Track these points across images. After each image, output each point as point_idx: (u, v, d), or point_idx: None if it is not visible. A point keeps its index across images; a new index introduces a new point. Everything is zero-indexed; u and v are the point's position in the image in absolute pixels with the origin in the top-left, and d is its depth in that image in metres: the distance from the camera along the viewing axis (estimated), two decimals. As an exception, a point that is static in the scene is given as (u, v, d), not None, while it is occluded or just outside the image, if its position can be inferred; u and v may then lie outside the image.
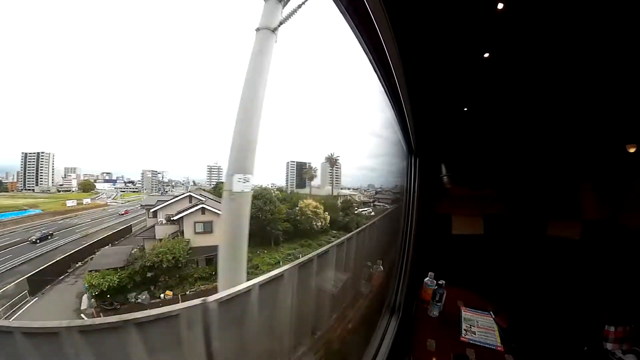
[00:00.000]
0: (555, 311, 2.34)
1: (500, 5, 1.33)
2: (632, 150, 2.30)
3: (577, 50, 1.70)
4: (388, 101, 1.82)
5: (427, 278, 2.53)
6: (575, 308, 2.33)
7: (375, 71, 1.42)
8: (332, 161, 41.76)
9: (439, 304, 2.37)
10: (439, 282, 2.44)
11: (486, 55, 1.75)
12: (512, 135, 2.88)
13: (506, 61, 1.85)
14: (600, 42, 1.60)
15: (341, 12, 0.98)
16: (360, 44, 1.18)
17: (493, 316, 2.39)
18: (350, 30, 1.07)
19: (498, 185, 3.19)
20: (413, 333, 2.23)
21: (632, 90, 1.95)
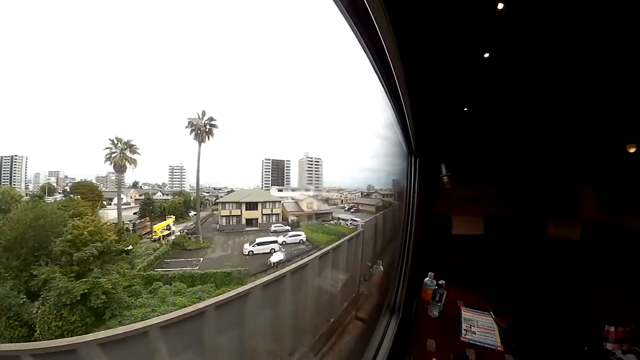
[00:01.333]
0: (555, 311, 2.34)
1: (500, 6, 1.33)
2: (632, 150, 2.29)
3: (577, 50, 1.70)
4: (388, 101, 1.82)
5: (427, 278, 2.53)
6: (575, 308, 2.33)
7: (376, 71, 1.42)
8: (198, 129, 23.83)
9: (439, 304, 2.37)
10: (439, 282, 2.44)
11: (486, 55, 1.75)
12: (512, 135, 2.88)
13: (506, 61, 1.85)
14: (600, 42, 1.60)
15: (341, 12, 0.98)
16: (360, 44, 1.17)
17: (493, 316, 2.39)
18: (350, 30, 1.07)
19: (498, 186, 3.19)
20: (413, 333, 2.23)
21: (632, 90, 1.95)
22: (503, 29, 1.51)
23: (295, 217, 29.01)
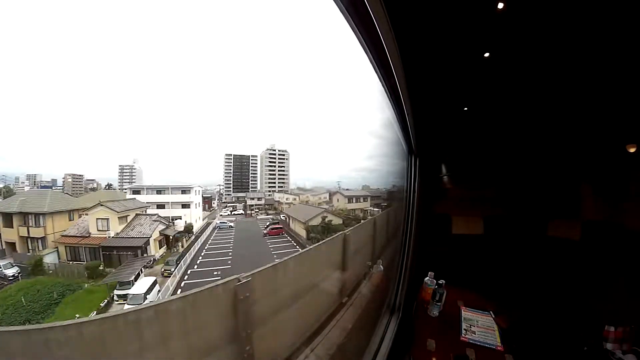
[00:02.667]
0: (555, 311, 2.34)
1: (500, 5, 1.33)
2: (632, 150, 2.29)
3: (577, 50, 1.70)
4: (388, 101, 1.82)
5: (427, 278, 2.53)
6: (575, 308, 2.33)
7: (376, 71, 1.42)
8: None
9: (439, 303, 2.37)
10: (439, 282, 2.44)
11: (486, 55, 1.75)
12: (512, 135, 2.88)
13: (506, 61, 1.85)
14: (600, 42, 1.60)
15: (341, 12, 0.98)
16: (361, 44, 1.17)
17: (493, 316, 2.39)
18: (351, 30, 1.07)
19: (498, 185, 3.19)
20: (413, 333, 2.23)
21: (632, 90, 1.95)
22: (503, 29, 1.51)
23: (59, 249, 14.73)
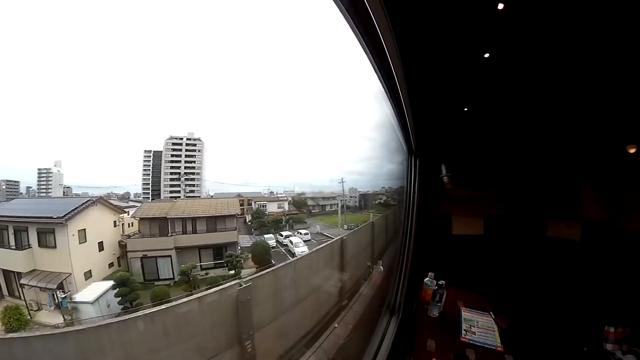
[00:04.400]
0: (555, 312, 2.34)
1: (500, 6, 1.33)
2: (632, 151, 2.29)
3: (577, 51, 1.70)
4: (388, 102, 1.82)
5: (427, 278, 2.53)
6: (575, 309, 2.33)
7: (376, 71, 1.42)
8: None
9: (439, 304, 2.37)
10: (439, 283, 2.44)
11: (486, 55, 1.75)
12: (512, 135, 2.88)
13: (506, 61, 1.85)
14: (600, 42, 1.60)
15: (341, 12, 0.98)
16: (361, 44, 1.17)
17: (493, 316, 2.39)
18: (350, 31, 1.07)
19: (498, 186, 3.19)
20: (413, 333, 2.23)
21: (632, 91, 1.95)
22: (503, 29, 1.51)
23: None
